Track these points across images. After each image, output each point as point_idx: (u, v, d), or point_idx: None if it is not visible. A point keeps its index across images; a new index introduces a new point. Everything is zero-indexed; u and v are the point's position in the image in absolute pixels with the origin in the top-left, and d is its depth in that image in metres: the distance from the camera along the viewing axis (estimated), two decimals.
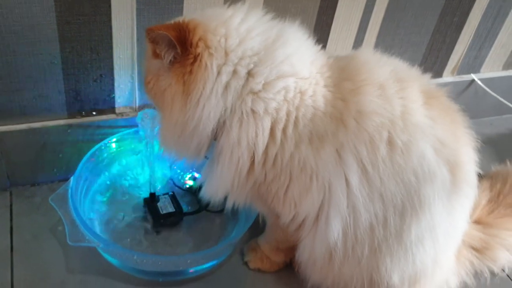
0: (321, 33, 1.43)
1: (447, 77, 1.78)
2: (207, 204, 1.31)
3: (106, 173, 1.39)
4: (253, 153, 0.94)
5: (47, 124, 1.30)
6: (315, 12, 1.38)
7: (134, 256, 1.15)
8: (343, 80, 0.96)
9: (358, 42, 1.51)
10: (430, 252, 1.04)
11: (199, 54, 0.91)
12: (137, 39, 1.25)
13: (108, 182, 1.40)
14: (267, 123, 0.92)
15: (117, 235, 1.28)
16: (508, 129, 1.93)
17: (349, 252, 1.01)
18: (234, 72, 0.92)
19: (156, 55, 0.96)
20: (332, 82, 0.96)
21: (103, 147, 1.34)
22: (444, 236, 1.05)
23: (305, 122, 0.92)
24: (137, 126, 1.31)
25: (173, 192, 1.37)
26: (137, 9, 1.20)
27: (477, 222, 1.30)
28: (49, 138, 1.31)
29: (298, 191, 0.97)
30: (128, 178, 1.42)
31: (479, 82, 1.81)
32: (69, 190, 1.20)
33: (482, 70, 1.84)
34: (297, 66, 0.94)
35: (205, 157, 1.05)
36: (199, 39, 0.92)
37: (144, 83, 1.03)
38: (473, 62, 1.79)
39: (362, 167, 0.93)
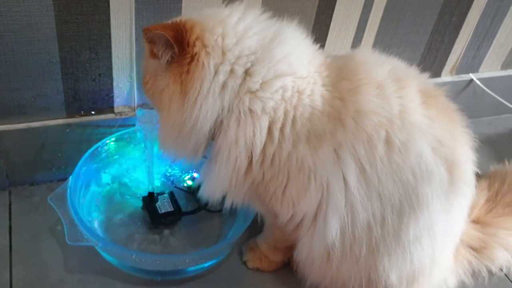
0: (319, 32, 1.43)
1: (446, 77, 1.79)
2: (206, 204, 1.31)
3: (105, 173, 1.39)
4: (251, 153, 0.94)
5: (46, 123, 1.30)
6: (314, 11, 1.38)
7: (133, 255, 1.15)
8: (341, 79, 0.96)
9: (356, 41, 1.51)
10: (428, 251, 1.04)
11: (196, 53, 0.91)
12: (136, 39, 1.25)
13: (106, 182, 1.40)
14: (264, 123, 0.92)
15: (115, 234, 1.28)
16: (507, 129, 1.93)
17: (347, 251, 1.01)
18: (232, 71, 0.92)
19: (153, 55, 0.97)
20: (330, 81, 0.96)
21: (101, 147, 1.34)
22: (442, 235, 1.05)
23: (303, 121, 0.93)
24: (136, 125, 1.31)
25: (171, 192, 1.37)
26: (135, 8, 1.20)
27: (475, 221, 1.30)
28: (48, 137, 1.31)
29: (296, 191, 0.97)
30: (127, 177, 1.42)
31: (477, 81, 1.81)
32: (68, 190, 1.20)
33: (480, 69, 1.84)
34: (295, 65, 0.95)
35: (204, 156, 1.05)
36: (196, 38, 0.92)
37: (142, 83, 1.04)
38: (471, 62, 1.79)
39: (360, 166, 0.93)
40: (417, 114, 0.95)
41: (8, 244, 1.23)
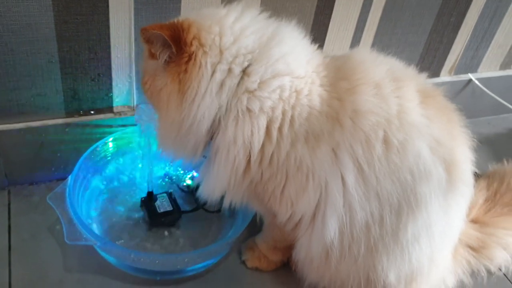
0: (318, 32, 1.43)
1: (445, 77, 1.79)
2: (205, 203, 1.30)
3: (104, 172, 1.39)
4: (249, 152, 0.94)
5: (45, 123, 1.30)
6: (312, 11, 1.38)
7: (132, 255, 1.15)
8: (339, 79, 0.96)
9: (355, 41, 1.51)
10: (426, 251, 1.04)
11: (193, 52, 0.92)
12: (135, 39, 1.25)
13: (105, 181, 1.40)
14: (262, 122, 0.92)
15: (114, 233, 1.28)
16: (506, 129, 1.93)
17: (345, 251, 1.01)
18: (229, 70, 0.93)
19: (152, 56, 0.97)
20: (328, 81, 0.97)
21: (101, 146, 1.34)
22: (440, 234, 1.05)
23: (301, 121, 0.93)
24: (135, 125, 1.31)
25: (170, 191, 1.37)
26: (135, 8, 1.20)
27: (474, 221, 1.30)
28: (47, 137, 1.31)
29: (294, 190, 0.98)
30: (126, 177, 1.42)
31: (476, 81, 1.81)
32: (67, 189, 1.20)
33: (479, 69, 1.84)
34: (293, 65, 0.95)
35: (203, 156, 1.05)
36: (193, 38, 0.92)
37: (141, 83, 1.04)
38: (470, 62, 1.79)
39: (358, 166, 0.93)
40: (415, 114, 0.95)
41: (7, 243, 1.23)
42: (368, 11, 1.45)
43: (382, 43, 1.55)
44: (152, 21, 1.23)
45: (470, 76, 1.82)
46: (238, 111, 0.92)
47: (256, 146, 0.93)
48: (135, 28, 1.23)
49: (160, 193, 1.35)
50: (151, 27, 0.92)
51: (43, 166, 1.37)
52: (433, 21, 1.58)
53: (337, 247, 1.01)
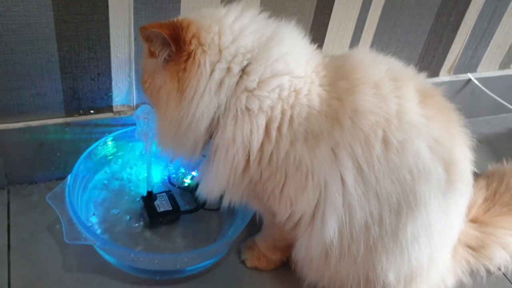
0: (318, 32, 1.43)
1: (444, 77, 1.79)
2: (204, 203, 1.31)
3: (104, 172, 1.40)
4: (248, 151, 0.94)
5: (45, 122, 1.30)
6: (312, 11, 1.39)
7: (131, 254, 1.15)
8: (339, 79, 0.96)
9: (354, 41, 1.51)
10: (426, 251, 1.04)
11: (192, 51, 0.92)
12: (135, 38, 1.25)
13: (105, 181, 1.40)
14: (261, 121, 0.92)
15: (114, 233, 1.28)
16: (505, 128, 1.94)
17: (345, 250, 1.01)
18: (228, 69, 0.93)
19: (151, 54, 0.97)
20: (328, 81, 0.97)
21: (100, 146, 1.35)
22: (440, 234, 1.05)
23: (300, 120, 0.93)
24: (134, 124, 1.31)
25: (170, 191, 1.37)
26: (134, 8, 1.20)
27: (473, 220, 1.30)
28: (46, 136, 1.31)
29: (293, 190, 0.98)
30: (126, 176, 1.42)
31: (475, 81, 1.81)
32: (66, 189, 1.20)
33: (478, 69, 1.85)
34: (292, 65, 0.95)
35: (203, 155, 1.05)
36: (193, 37, 0.92)
37: (141, 82, 1.04)
38: (469, 62, 1.79)
39: (357, 166, 0.93)
40: (414, 113, 0.95)
41: (7, 243, 1.23)
42: (367, 11, 1.45)
43: (381, 43, 1.55)
44: (152, 21, 1.21)
45: (469, 75, 1.82)
46: (237, 110, 0.92)
47: (255, 145, 0.93)
48: (134, 27, 1.23)
49: (160, 193, 1.35)
50: (151, 26, 0.92)
51: (43, 165, 1.37)
52: (433, 21, 1.58)
53: (337, 246, 1.01)
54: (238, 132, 0.93)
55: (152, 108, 1.19)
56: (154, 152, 1.28)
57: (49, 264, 1.20)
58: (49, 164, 1.37)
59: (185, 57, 0.92)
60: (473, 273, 1.27)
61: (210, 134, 0.97)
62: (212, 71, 0.92)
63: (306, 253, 1.07)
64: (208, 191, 1.04)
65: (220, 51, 0.93)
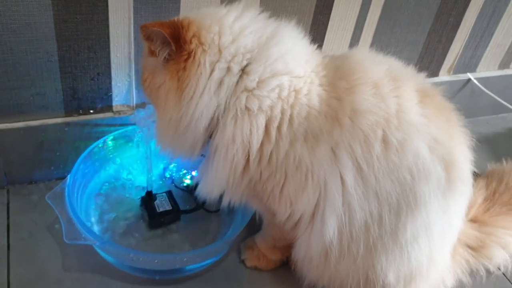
0: (317, 32, 1.44)
1: (444, 76, 1.79)
2: (204, 203, 1.31)
3: (103, 171, 1.40)
4: (248, 151, 0.94)
5: (45, 122, 1.30)
6: (312, 11, 1.39)
7: (131, 254, 1.15)
8: (338, 79, 0.96)
9: (354, 41, 1.51)
10: (426, 250, 1.04)
11: (192, 50, 0.92)
12: (135, 38, 1.25)
13: (105, 180, 1.40)
14: (261, 121, 0.92)
15: (113, 233, 1.28)
16: (504, 128, 1.94)
17: (344, 250, 1.01)
18: (228, 69, 0.93)
19: (151, 53, 0.97)
20: (327, 81, 0.97)
21: (100, 145, 1.34)
22: (440, 234, 1.05)
23: (300, 120, 0.93)
24: (134, 124, 1.32)
25: (170, 191, 1.37)
26: (134, 7, 1.20)
27: (473, 220, 1.31)
28: (46, 136, 1.31)
29: (293, 190, 0.98)
30: (125, 176, 1.42)
31: (475, 81, 1.81)
32: (66, 188, 1.19)
33: (478, 69, 1.85)
34: (292, 65, 0.95)
35: (202, 155, 1.05)
36: (193, 36, 0.92)
37: (141, 80, 1.04)
38: (469, 62, 1.80)
39: (357, 166, 0.93)
40: (414, 113, 0.95)
41: (6, 242, 1.23)
42: (367, 11, 1.45)
43: (381, 43, 1.55)
44: (152, 20, 1.23)
45: (469, 75, 1.82)
46: (236, 110, 0.93)
47: (255, 145, 0.93)
48: (134, 27, 1.23)
49: (160, 193, 1.35)
50: (151, 25, 0.92)
51: (42, 165, 1.37)
52: (432, 21, 1.58)
53: (336, 246, 1.01)
54: (238, 132, 0.93)
55: (151, 108, 1.19)
56: (154, 152, 1.28)
57: (49, 263, 1.20)
58: (48, 163, 1.37)
59: (185, 57, 0.92)
60: (472, 273, 1.27)
61: (210, 134, 0.97)
62: (212, 70, 0.92)
63: (305, 252, 1.07)
64: (207, 191, 1.04)
65: (220, 51, 0.93)
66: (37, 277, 1.17)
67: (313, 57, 1.00)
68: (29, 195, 1.36)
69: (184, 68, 0.93)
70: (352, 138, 0.93)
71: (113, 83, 1.32)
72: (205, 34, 0.93)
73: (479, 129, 1.86)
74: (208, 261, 1.23)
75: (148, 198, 1.33)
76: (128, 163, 1.43)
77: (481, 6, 1.61)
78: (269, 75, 0.93)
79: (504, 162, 1.50)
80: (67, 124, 1.32)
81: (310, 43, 1.03)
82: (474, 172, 1.08)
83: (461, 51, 1.73)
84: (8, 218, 1.29)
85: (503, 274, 1.34)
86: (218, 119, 0.94)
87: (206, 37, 0.93)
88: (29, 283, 1.16)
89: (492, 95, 1.83)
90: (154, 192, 1.34)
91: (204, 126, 0.95)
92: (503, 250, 1.29)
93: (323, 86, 0.96)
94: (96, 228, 1.28)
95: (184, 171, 1.45)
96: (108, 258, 1.20)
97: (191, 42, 0.92)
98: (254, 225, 1.24)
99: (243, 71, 0.93)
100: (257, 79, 0.92)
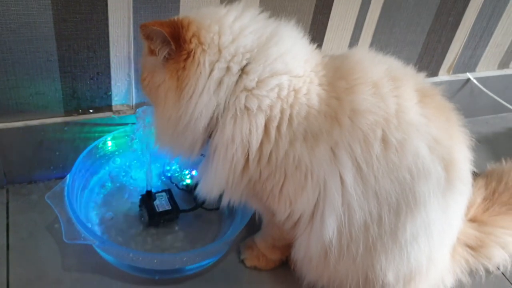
0: (317, 32, 1.44)
1: (443, 76, 1.79)
2: (203, 202, 1.31)
3: (103, 171, 1.40)
4: (248, 151, 0.94)
5: (44, 121, 1.30)
6: (311, 11, 1.39)
7: (130, 254, 1.15)
8: (338, 78, 0.96)
9: (354, 41, 1.51)
10: (425, 250, 1.04)
11: (192, 50, 0.92)
12: (134, 38, 1.25)
13: (104, 180, 1.40)
14: (260, 120, 0.92)
15: (113, 232, 1.28)
16: (504, 128, 1.94)
17: (344, 250, 1.01)
18: (227, 68, 0.93)
19: (151, 52, 0.97)
20: (327, 80, 0.97)
21: (99, 145, 1.35)
22: (439, 234, 1.05)
23: (299, 120, 0.93)
24: (134, 124, 1.31)
25: (169, 190, 1.37)
26: (134, 7, 1.20)
27: (472, 220, 1.31)
28: (45, 135, 1.31)
29: (293, 189, 0.98)
30: (125, 175, 1.42)
31: (474, 81, 1.81)
32: (66, 188, 1.19)
33: (477, 69, 1.85)
34: (291, 64, 0.95)
35: (202, 155, 1.05)
36: (193, 36, 0.92)
37: (141, 79, 1.04)
38: (468, 61, 1.80)
39: (356, 165, 0.93)
40: (413, 113, 0.95)
41: (6, 242, 1.23)
42: (366, 10, 1.45)
43: (380, 43, 1.55)
44: (151, 20, 1.22)
45: (468, 75, 1.82)
46: (236, 109, 0.93)
47: (254, 145, 0.93)
48: (134, 26, 1.23)
49: (159, 192, 1.35)
50: (151, 24, 0.92)
51: (42, 164, 1.37)
52: (432, 21, 1.58)
53: (336, 246, 1.01)
54: (237, 131, 0.93)
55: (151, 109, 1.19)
56: (154, 152, 1.28)
57: (48, 263, 1.20)
58: (48, 163, 1.37)
59: (184, 56, 0.92)
60: (472, 273, 1.27)
61: (209, 133, 0.97)
62: (212, 70, 0.92)
63: (305, 252, 1.07)
64: (207, 191, 1.04)
65: (219, 51, 0.93)
66: (36, 277, 1.17)
67: (312, 57, 1.00)
68: (28, 194, 1.36)
69: (184, 68, 0.93)
70: (351, 138, 0.93)
71: (112, 82, 1.32)
72: (205, 33, 0.93)
73: (478, 128, 1.87)
74: (208, 261, 1.23)
75: (148, 198, 1.33)
76: (127, 163, 1.43)
77: (480, 5, 1.61)
78: (269, 74, 0.93)
79: (504, 161, 1.50)
80: (67, 123, 1.32)
81: (310, 43, 1.03)
82: (474, 171, 1.08)
83: (460, 51, 1.73)
84: (7, 217, 1.29)
85: (503, 273, 1.34)
86: (217, 118, 0.94)
87: (206, 36, 0.93)
88: (28, 283, 1.16)
89: (492, 95, 1.83)
90: (153, 191, 1.34)
91: (204, 125, 0.95)
92: (503, 249, 1.29)
93: (322, 86, 0.96)
94: (95, 228, 1.28)
95: (184, 171, 1.45)
96: (108, 257, 1.20)
97: (190, 42, 0.92)
98: (253, 225, 1.24)
99: (243, 70, 0.93)
100: (256, 79, 0.92)
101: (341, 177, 0.94)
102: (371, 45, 1.55)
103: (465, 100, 1.83)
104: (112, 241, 1.25)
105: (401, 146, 0.93)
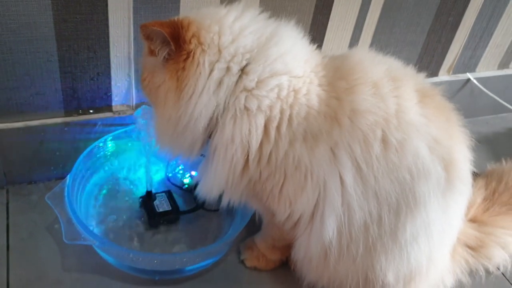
0: (317, 32, 1.44)
1: (443, 76, 1.79)
2: (203, 203, 1.31)
3: (103, 171, 1.39)
4: (247, 151, 0.94)
5: (44, 122, 1.30)
6: (311, 11, 1.39)
7: (130, 254, 1.15)
8: (338, 79, 0.96)
9: (354, 41, 1.51)
10: (425, 250, 1.04)
11: (192, 50, 0.92)
12: (134, 38, 1.25)
13: (104, 180, 1.40)
14: (260, 121, 0.92)
15: (113, 233, 1.28)
16: (504, 128, 1.94)
17: (344, 250, 1.01)
18: (227, 69, 0.93)
19: (151, 52, 0.97)
20: (327, 81, 0.97)
21: (100, 145, 1.34)
22: (439, 234, 1.05)
23: (299, 120, 0.93)
24: (134, 123, 1.31)
25: (169, 191, 1.37)
26: (134, 7, 1.20)
27: (472, 220, 1.31)
28: (46, 136, 1.31)
29: (293, 189, 0.98)
30: (125, 176, 1.42)
31: (474, 81, 1.81)
32: (66, 188, 1.19)
33: (477, 69, 1.85)
34: (291, 65, 0.95)
35: (202, 155, 1.05)
36: (192, 36, 0.92)
37: (140, 80, 1.04)
38: (468, 62, 1.80)
39: (356, 166, 0.93)
40: (413, 113, 0.95)
41: (6, 242, 1.23)
42: (366, 11, 1.45)
43: (380, 43, 1.55)
44: (151, 20, 1.22)
45: (468, 75, 1.82)
46: (236, 110, 0.93)
47: (254, 145, 0.93)
48: (134, 27, 1.23)
49: (159, 192, 1.35)
50: (151, 24, 0.92)
51: (42, 165, 1.37)
52: (432, 21, 1.58)
53: (336, 246, 1.01)
54: (237, 131, 0.93)
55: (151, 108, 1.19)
56: (154, 152, 1.28)
57: (48, 264, 1.20)
58: (48, 163, 1.37)
59: (184, 56, 0.92)
60: (472, 273, 1.27)
61: (209, 134, 0.97)
62: (211, 70, 0.92)
63: (305, 253, 1.07)
64: (207, 191, 1.04)
65: (219, 51, 0.93)
66: (36, 277, 1.17)
67: (312, 57, 1.00)
68: (28, 195, 1.36)
69: (184, 68, 0.93)
70: (351, 138, 0.93)
71: (112, 83, 1.32)
72: (205, 34, 0.93)
73: (478, 129, 1.86)
74: (208, 262, 1.23)
75: (148, 198, 1.33)
76: (127, 163, 1.43)
77: (480, 6, 1.61)
78: (268, 75, 0.93)
79: (504, 162, 1.50)
80: (67, 124, 1.32)
81: (310, 43, 1.03)
82: (474, 171, 1.08)
83: (460, 51, 1.73)
84: (7, 218, 1.29)
85: (503, 274, 1.34)
86: (217, 119, 0.94)
87: (206, 37, 0.93)
88: (28, 283, 1.16)
89: (492, 95, 1.83)
90: (153, 192, 1.34)
91: (203, 125, 0.95)
92: (503, 250, 1.28)
93: (322, 86, 0.96)
94: (95, 228, 1.27)
95: (184, 171, 1.45)
96: (108, 258, 1.20)
97: (190, 42, 0.92)
98: (253, 225, 1.24)
99: (243, 71, 0.93)
100: (256, 79, 0.92)
101: (341, 178, 0.94)
102: (371, 45, 1.55)
103: (465, 100, 1.83)
104: (112, 241, 1.24)
105: (401, 146, 0.93)
